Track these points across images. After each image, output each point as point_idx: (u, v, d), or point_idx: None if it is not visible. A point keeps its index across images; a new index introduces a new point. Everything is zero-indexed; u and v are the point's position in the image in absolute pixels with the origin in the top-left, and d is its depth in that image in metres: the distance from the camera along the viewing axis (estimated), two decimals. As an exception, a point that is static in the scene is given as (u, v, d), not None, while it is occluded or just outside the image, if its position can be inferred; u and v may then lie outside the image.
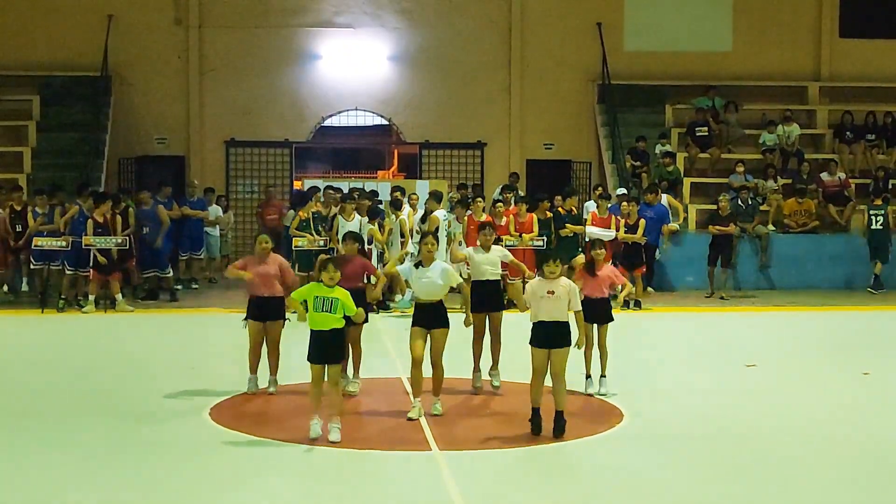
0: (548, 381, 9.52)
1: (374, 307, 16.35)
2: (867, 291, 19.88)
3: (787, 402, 11.08)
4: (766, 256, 20.44)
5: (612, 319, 11.25)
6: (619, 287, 11.53)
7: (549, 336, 9.43)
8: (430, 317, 10.11)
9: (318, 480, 8.36)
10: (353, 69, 23.83)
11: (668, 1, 24.48)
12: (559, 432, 9.40)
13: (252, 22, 23.67)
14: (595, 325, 11.08)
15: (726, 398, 11.24)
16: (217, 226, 20.77)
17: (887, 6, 24.94)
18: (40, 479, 8.27)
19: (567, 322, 9.52)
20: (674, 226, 19.92)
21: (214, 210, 20.71)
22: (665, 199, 19.76)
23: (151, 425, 9.91)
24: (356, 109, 24.23)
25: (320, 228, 17.30)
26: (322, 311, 9.33)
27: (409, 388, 10.66)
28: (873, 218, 20.03)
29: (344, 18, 23.96)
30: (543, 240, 17.53)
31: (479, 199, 18.24)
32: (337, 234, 16.93)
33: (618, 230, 18.08)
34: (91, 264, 16.99)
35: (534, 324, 9.51)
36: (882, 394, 11.60)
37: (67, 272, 17.32)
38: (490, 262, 11.16)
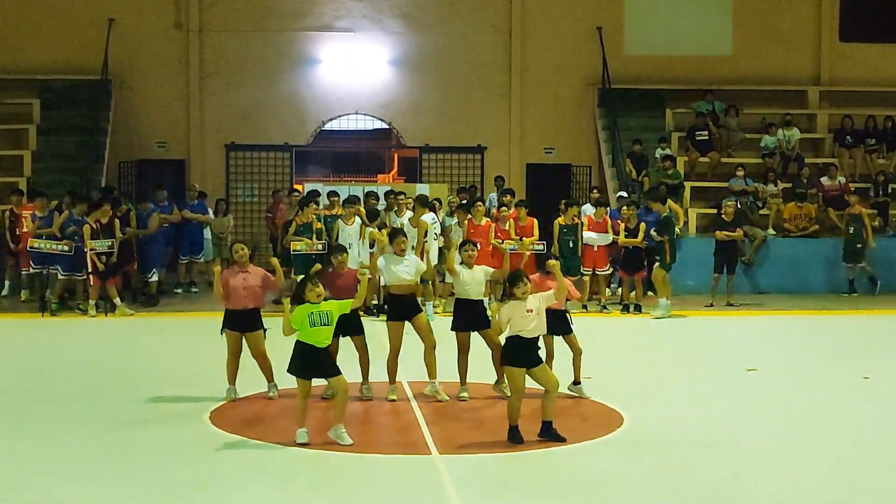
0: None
1: (374, 311, 16.37)
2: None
3: (788, 407, 11.07)
4: (753, 255, 20.41)
5: (571, 331, 11.19)
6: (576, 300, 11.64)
7: (524, 354, 9.31)
8: (406, 308, 10.94)
9: (319, 484, 8.36)
10: (354, 73, 23.85)
11: (668, 5, 24.51)
12: (560, 440, 9.39)
13: (252, 26, 23.69)
14: (559, 337, 11.08)
15: (727, 403, 11.23)
16: (209, 228, 20.55)
17: (887, 11, 24.97)
18: (39, 482, 8.28)
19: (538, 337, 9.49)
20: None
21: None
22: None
23: (152, 429, 9.92)
24: (356, 113, 24.25)
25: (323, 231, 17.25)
26: (319, 325, 9.32)
27: (408, 388, 11.17)
28: None
29: (344, 22, 23.98)
30: (544, 244, 17.54)
31: (480, 202, 18.25)
32: (337, 238, 16.94)
33: (617, 234, 18.10)
34: (89, 269, 16.99)
35: (510, 338, 9.36)
36: (883, 398, 11.58)
37: (60, 277, 17.28)
38: (474, 280, 11.09)
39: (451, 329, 11.12)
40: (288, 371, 9.51)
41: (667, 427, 10.14)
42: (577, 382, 11.28)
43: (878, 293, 20.03)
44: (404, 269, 11.03)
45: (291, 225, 17.44)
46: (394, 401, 10.92)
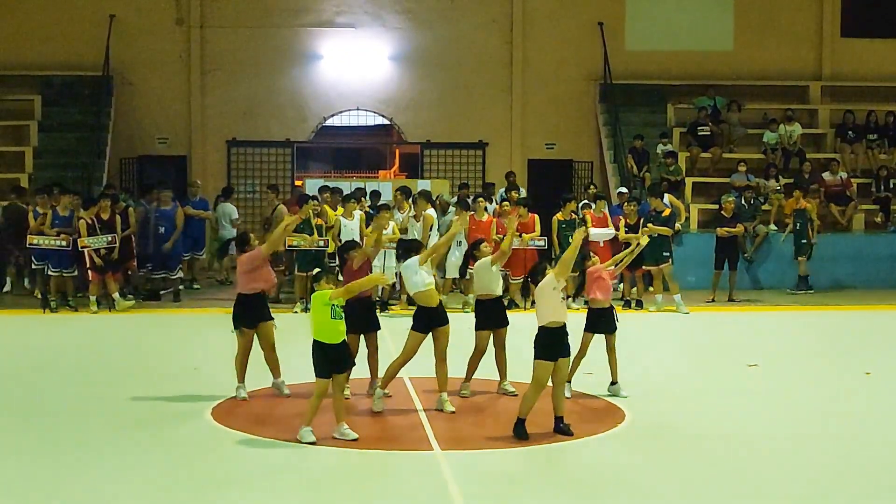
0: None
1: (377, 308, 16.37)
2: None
3: (789, 402, 11.09)
4: (754, 252, 20.39)
5: (615, 329, 11.14)
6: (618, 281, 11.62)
7: (556, 346, 9.40)
8: (432, 319, 10.44)
9: (321, 480, 8.37)
10: (355, 69, 23.84)
11: (670, 0, 24.49)
12: (570, 433, 9.45)
13: (253, 22, 23.68)
14: (600, 335, 11.07)
15: (728, 398, 11.24)
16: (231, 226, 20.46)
17: (889, 6, 24.94)
18: (42, 479, 8.29)
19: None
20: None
21: (230, 210, 20.59)
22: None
23: (154, 425, 9.92)
24: (357, 109, 24.25)
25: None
26: (336, 318, 9.31)
27: (410, 385, 11.23)
28: None
29: (345, 18, 23.97)
30: (545, 239, 17.55)
31: (481, 198, 18.24)
32: (339, 234, 16.95)
33: (618, 230, 18.09)
34: (87, 265, 17.00)
35: (544, 329, 9.39)
36: (884, 394, 11.59)
37: (51, 273, 17.26)
38: (494, 276, 11.05)
39: (476, 329, 11.06)
40: (317, 375, 9.35)
41: (668, 422, 10.15)
42: (614, 382, 11.23)
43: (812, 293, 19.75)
44: (424, 278, 10.49)
45: (272, 223, 17.49)
46: (380, 410, 10.45)
